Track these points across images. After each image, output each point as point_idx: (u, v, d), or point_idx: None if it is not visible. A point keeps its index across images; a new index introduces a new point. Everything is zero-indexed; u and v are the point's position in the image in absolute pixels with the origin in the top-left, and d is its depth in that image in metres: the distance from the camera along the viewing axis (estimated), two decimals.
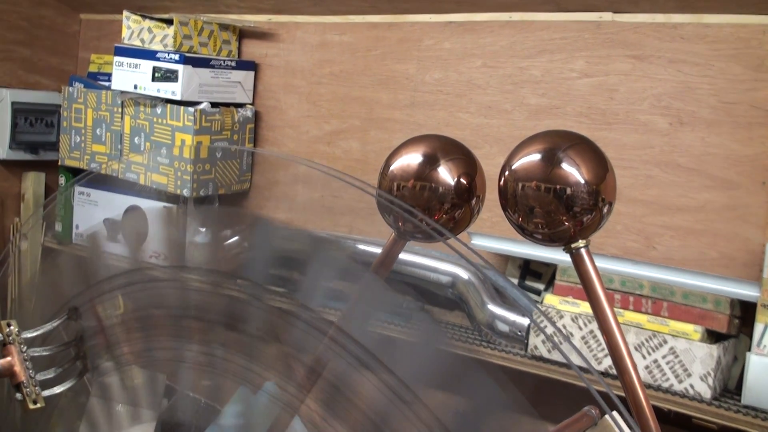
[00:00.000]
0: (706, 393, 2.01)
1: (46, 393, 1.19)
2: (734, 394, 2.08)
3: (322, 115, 2.94)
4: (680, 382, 2.04)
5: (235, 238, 1.46)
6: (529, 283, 2.46)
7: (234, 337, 1.22)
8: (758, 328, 1.98)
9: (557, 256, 2.29)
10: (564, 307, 2.20)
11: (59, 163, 3.39)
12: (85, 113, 3.29)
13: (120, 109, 3.16)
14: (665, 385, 2.06)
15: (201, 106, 2.97)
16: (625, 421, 1.14)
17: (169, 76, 3.00)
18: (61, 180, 3.47)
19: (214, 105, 3.03)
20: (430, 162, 1.40)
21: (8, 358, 1.17)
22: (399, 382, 1.03)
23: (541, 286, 2.45)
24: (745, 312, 2.07)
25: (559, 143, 1.30)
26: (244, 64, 3.14)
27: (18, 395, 1.16)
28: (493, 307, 2.39)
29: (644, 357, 2.08)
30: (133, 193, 3.13)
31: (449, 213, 1.39)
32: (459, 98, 2.58)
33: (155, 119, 3.03)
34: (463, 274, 2.44)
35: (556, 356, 2.20)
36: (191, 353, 1.28)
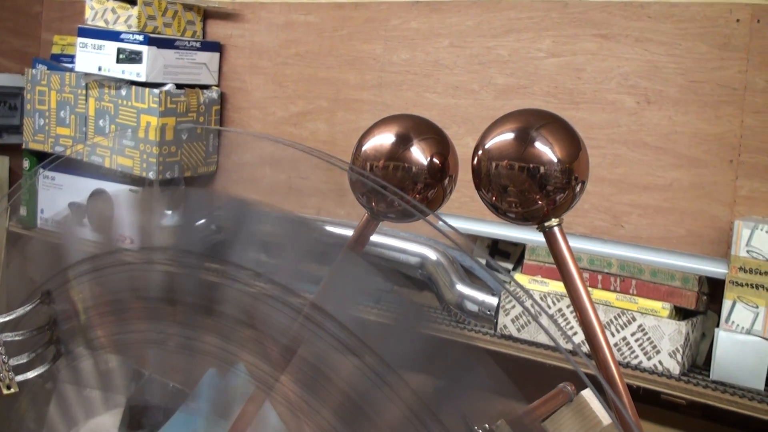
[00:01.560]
0: (675, 369, 2.03)
1: (20, 378, 1.18)
2: (702, 369, 2.11)
3: (288, 96, 2.93)
4: (649, 359, 2.06)
5: (203, 220, 1.45)
6: (499, 261, 2.47)
7: (206, 318, 1.22)
8: (726, 304, 2.00)
9: (525, 235, 2.30)
10: (533, 287, 2.22)
11: (23, 147, 3.35)
12: (49, 96, 3.25)
13: (84, 92, 3.13)
14: (634, 362, 2.08)
15: (166, 88, 2.94)
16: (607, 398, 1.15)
17: (134, 58, 2.97)
18: (26, 163, 3.42)
19: (179, 86, 3.00)
20: (403, 142, 1.39)
21: None
22: (377, 359, 1.03)
23: (509, 266, 2.46)
24: (713, 289, 2.09)
25: (533, 122, 1.30)
26: (209, 45, 3.12)
27: None
28: (461, 287, 2.40)
29: (613, 335, 2.10)
30: (99, 177, 3.11)
31: (422, 193, 1.39)
32: (426, 78, 2.58)
33: (120, 101, 3.00)
34: (432, 255, 2.44)
35: (525, 335, 2.22)
36: (164, 335, 1.28)
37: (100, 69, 3.05)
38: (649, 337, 2.05)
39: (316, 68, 2.86)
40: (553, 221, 1.30)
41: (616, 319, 2.09)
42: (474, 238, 2.50)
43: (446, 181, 1.40)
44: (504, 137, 1.29)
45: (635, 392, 2.13)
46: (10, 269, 1.54)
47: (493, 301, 2.32)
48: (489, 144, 1.29)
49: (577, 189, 1.28)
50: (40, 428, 1.35)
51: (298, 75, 2.92)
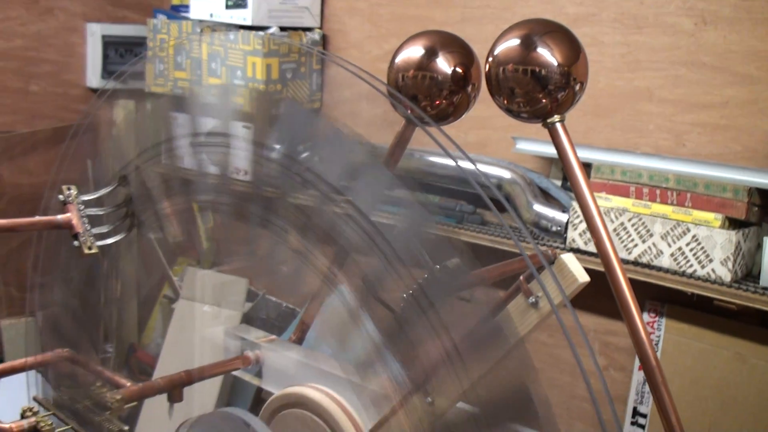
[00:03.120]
0: (726, 276, 2.14)
1: (100, 243, 1.43)
2: (756, 279, 2.19)
3: (382, 35, 3.11)
4: (702, 267, 2.17)
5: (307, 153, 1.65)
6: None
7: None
8: None
9: (594, 156, 2.42)
10: (599, 203, 2.33)
11: (145, 90, 3.64)
12: (168, 43, 3.52)
13: (198, 37, 3.38)
14: (689, 270, 2.19)
15: (270, 31, 3.16)
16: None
17: (240, 3, 3.20)
18: (148, 106, 3.72)
19: (283, 29, 3.22)
20: (430, 54, 1.57)
21: (68, 215, 1.41)
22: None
23: None
24: (765, 201, 2.18)
25: (536, 30, 1.45)
26: None
27: (75, 243, 1.40)
28: (537, 207, 2.54)
29: (669, 245, 2.21)
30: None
31: (448, 99, 1.57)
32: (504, 11, 2.71)
33: (229, 45, 3.24)
34: (506, 175, 2.59)
35: (591, 247, 2.34)
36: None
37: (211, 15, 3.30)
38: (702, 247, 2.16)
39: (406, 7, 3.03)
40: (556, 117, 1.44)
41: (672, 230, 2.20)
42: (549, 161, 2.64)
43: (469, 89, 1.57)
44: (510, 44, 1.44)
45: (690, 299, 2.25)
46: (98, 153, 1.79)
47: (562, 217, 2.45)
48: (497, 51, 1.45)
49: (577, 88, 1.43)
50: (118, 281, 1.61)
51: (390, 14, 3.09)
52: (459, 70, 1.55)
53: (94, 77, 3.72)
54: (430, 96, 1.56)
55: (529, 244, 2.26)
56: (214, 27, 3.31)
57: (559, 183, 2.62)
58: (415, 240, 1.22)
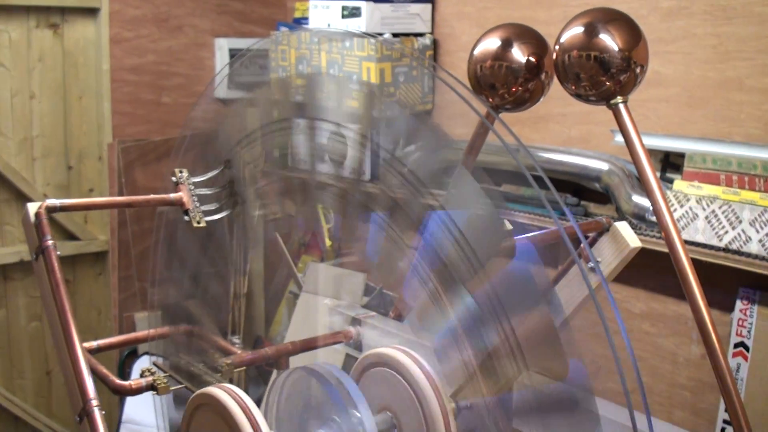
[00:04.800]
0: None
1: (208, 218, 1.63)
2: None
3: None
4: None
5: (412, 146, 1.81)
6: (669, 174, 2.67)
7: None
8: None
9: (687, 145, 2.50)
10: (690, 191, 2.42)
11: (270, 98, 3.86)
12: (289, 53, 3.73)
13: (317, 46, 3.59)
14: None
15: (383, 37, 3.34)
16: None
17: (355, 13, 3.39)
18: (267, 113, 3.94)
19: (396, 35, 3.39)
20: (506, 45, 1.70)
21: (180, 193, 1.61)
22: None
23: (679, 176, 2.66)
24: None
25: (599, 18, 1.57)
26: None
27: (186, 218, 1.59)
28: (636, 198, 2.63)
29: (757, 231, 2.27)
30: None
31: (523, 86, 1.69)
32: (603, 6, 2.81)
33: (345, 52, 3.43)
34: (605, 167, 2.68)
35: (685, 235, 2.42)
36: None
37: (328, 25, 3.50)
38: None
39: (512, 9, 3.16)
40: (618, 99, 1.56)
41: (760, 216, 2.26)
42: (647, 152, 2.72)
43: (543, 76, 1.69)
44: (574, 32, 1.57)
45: None
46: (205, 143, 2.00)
47: None
48: (563, 39, 1.58)
49: (638, 71, 1.54)
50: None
51: (496, 17, 3.22)
52: (532, 59, 1.67)
53: (221, 88, 3.97)
54: (506, 84, 1.69)
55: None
56: (331, 36, 3.50)
57: (657, 174, 2.70)
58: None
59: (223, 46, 3.97)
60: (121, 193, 3.63)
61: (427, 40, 3.46)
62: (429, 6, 3.50)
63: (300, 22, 3.95)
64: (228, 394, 1.34)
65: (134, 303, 3.74)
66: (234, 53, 3.98)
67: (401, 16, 3.44)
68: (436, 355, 1.51)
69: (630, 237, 1.54)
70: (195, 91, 3.96)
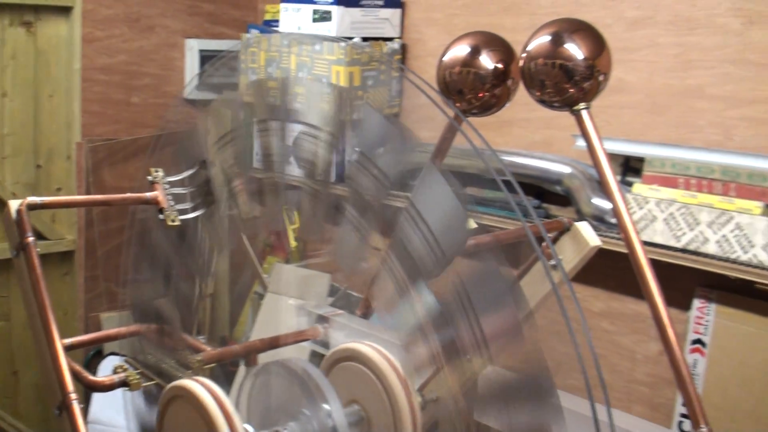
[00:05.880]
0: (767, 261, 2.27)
1: (182, 217, 1.67)
2: None
3: None
4: (745, 252, 2.30)
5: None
6: (629, 178, 2.74)
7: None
8: None
9: (648, 150, 2.57)
10: (650, 194, 2.49)
11: (240, 100, 3.89)
12: (259, 55, 3.77)
13: (287, 49, 3.63)
14: (733, 256, 2.32)
15: (352, 41, 3.39)
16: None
17: (326, 17, 3.43)
18: (241, 114, 3.97)
19: (366, 40, 3.44)
20: (474, 52, 1.76)
21: (155, 192, 1.65)
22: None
23: (638, 179, 2.73)
24: None
25: (564, 27, 1.63)
26: (391, 2, 3.53)
27: (161, 216, 1.64)
28: (596, 200, 2.69)
29: (715, 233, 2.35)
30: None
31: (490, 91, 1.76)
32: (570, 16, 2.88)
33: (315, 55, 3.47)
34: (567, 170, 2.75)
35: (644, 236, 2.49)
36: None
37: (299, 28, 3.54)
38: (745, 234, 2.29)
39: (479, 16, 3.22)
40: (582, 105, 1.62)
41: (717, 219, 2.34)
42: (608, 156, 2.79)
43: (509, 83, 1.76)
44: (540, 41, 1.63)
45: (737, 285, 2.38)
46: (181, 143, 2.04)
47: None
48: (529, 48, 1.64)
49: (601, 79, 1.61)
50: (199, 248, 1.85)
51: (464, 23, 3.28)
52: (499, 66, 1.74)
53: (190, 89, 4.00)
54: (474, 89, 1.75)
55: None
56: (301, 39, 3.55)
57: (618, 178, 2.77)
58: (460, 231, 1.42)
59: (193, 47, 4.00)
60: (88, 193, 3.64)
61: (395, 45, 3.52)
62: (398, 11, 3.56)
63: (270, 24, 3.99)
64: (202, 387, 1.38)
65: (100, 303, 3.75)
66: (204, 54, 4.01)
67: (371, 20, 3.49)
68: (405, 348, 1.57)
69: (590, 236, 1.60)
70: (165, 92, 3.98)
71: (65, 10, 3.58)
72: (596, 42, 1.61)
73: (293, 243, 3.96)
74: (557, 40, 1.61)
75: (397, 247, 1.52)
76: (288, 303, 3.48)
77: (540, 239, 1.52)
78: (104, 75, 3.74)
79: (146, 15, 3.85)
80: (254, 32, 3.86)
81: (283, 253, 4.06)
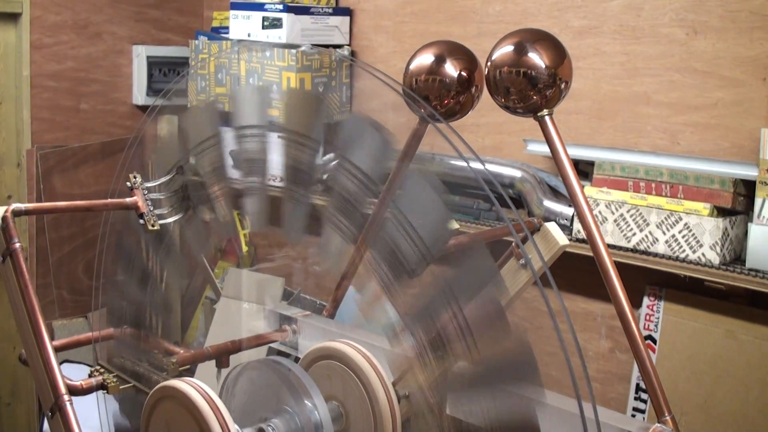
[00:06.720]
0: (715, 259, 2.37)
1: (162, 221, 1.71)
2: (744, 262, 2.42)
3: (405, 50, 3.37)
4: (694, 252, 2.40)
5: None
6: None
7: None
8: (758, 202, 2.32)
9: (597, 154, 2.66)
10: (600, 196, 2.58)
11: (188, 106, 3.92)
12: (208, 61, 3.80)
13: (237, 56, 3.66)
14: (682, 255, 2.42)
15: (302, 48, 3.43)
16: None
17: (276, 24, 3.48)
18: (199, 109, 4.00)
19: (314, 47, 3.49)
20: (439, 60, 1.82)
21: (134, 197, 1.68)
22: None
23: (588, 184, 2.82)
24: (751, 191, 2.40)
25: (527, 37, 1.70)
26: (340, 10, 3.59)
27: (141, 221, 1.67)
28: (546, 203, 2.78)
29: (664, 233, 2.45)
30: None
31: (455, 98, 1.82)
32: (516, 25, 2.94)
33: (265, 61, 3.51)
34: (518, 174, 2.83)
35: None
36: None
37: (249, 35, 3.58)
38: (693, 234, 2.39)
39: (428, 24, 3.29)
40: (545, 111, 1.69)
41: (666, 219, 2.44)
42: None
43: (473, 90, 1.82)
44: (505, 50, 1.70)
45: (685, 283, 2.48)
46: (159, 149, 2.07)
47: (569, 211, 2.70)
48: (494, 56, 1.71)
49: (563, 86, 1.68)
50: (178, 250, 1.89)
51: (413, 31, 3.35)
52: (464, 73, 1.80)
53: (139, 95, 4.01)
54: (439, 96, 1.81)
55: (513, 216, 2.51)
56: (251, 46, 3.59)
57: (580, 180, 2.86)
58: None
59: (140, 54, 4.01)
60: (39, 200, 3.63)
61: (345, 52, 3.57)
62: (347, 19, 3.61)
63: (218, 31, 4.02)
64: (192, 387, 1.42)
65: (53, 310, 3.75)
66: (152, 60, 4.02)
67: (321, 28, 3.54)
68: (388, 341, 1.62)
69: (559, 236, 1.67)
70: (113, 98, 3.99)
71: (13, 17, 3.57)
72: (557, 51, 1.68)
73: (245, 248, 3.99)
74: (521, 50, 1.68)
75: (381, 246, 1.57)
76: (245, 306, 3.52)
77: (524, 240, 1.59)
78: (53, 81, 3.74)
79: (94, 22, 3.85)
80: (203, 39, 3.89)
81: (235, 258, 4.09)
